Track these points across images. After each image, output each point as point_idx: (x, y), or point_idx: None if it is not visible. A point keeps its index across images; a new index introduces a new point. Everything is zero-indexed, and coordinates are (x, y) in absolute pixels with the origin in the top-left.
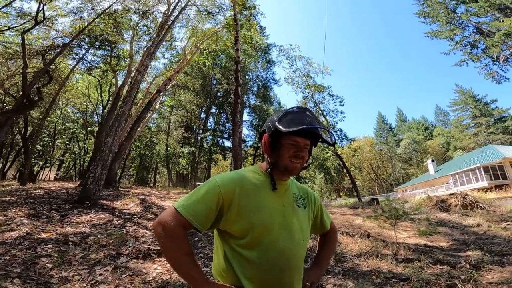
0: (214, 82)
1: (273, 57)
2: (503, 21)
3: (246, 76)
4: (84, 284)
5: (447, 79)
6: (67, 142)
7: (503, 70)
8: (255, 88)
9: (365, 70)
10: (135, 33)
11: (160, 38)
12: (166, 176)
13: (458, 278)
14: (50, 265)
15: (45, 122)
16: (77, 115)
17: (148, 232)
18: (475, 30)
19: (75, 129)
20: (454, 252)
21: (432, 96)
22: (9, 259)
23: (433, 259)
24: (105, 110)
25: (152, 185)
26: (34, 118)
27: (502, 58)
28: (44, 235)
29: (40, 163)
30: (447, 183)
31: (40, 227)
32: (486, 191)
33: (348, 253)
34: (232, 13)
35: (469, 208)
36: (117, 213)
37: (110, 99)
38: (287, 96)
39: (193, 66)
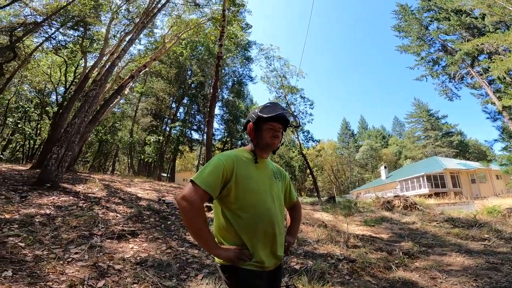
0: (189, 73)
1: (252, 54)
2: (467, 41)
3: (223, 71)
4: (61, 262)
5: (409, 92)
6: (18, 121)
7: (456, 88)
8: (230, 83)
9: (337, 76)
10: (115, 17)
11: (143, 25)
12: (126, 164)
13: (393, 262)
14: (22, 244)
15: None
16: (33, 94)
17: (118, 215)
18: (440, 47)
19: (28, 108)
20: (392, 242)
21: (394, 107)
22: None
23: (375, 247)
24: (68, 91)
25: (110, 172)
26: None
27: (458, 76)
28: (7, 216)
29: None
30: (395, 188)
31: (1, 208)
32: (427, 197)
33: (308, 239)
34: (220, 7)
35: (408, 209)
36: (81, 197)
37: (76, 80)
38: (261, 94)
39: (169, 55)
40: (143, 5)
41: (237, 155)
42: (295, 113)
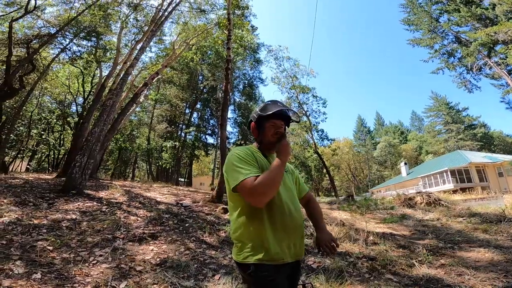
0: (201, 78)
1: (261, 56)
2: (479, 30)
3: (233, 74)
4: (86, 264)
5: (425, 86)
6: (42, 132)
7: (475, 79)
8: (241, 86)
9: (348, 73)
10: (124, 26)
11: (153, 33)
12: (145, 170)
13: (416, 259)
14: (50, 248)
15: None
16: (54, 105)
17: (139, 218)
18: (454, 39)
19: (51, 119)
20: (415, 240)
21: (410, 102)
22: (6, 243)
23: (397, 244)
24: (87, 101)
25: (130, 179)
26: (8, 106)
27: (475, 67)
28: (35, 221)
29: (13, 153)
30: (417, 185)
31: (30, 214)
32: (451, 193)
33: None
34: (225, 12)
35: (432, 205)
36: (104, 202)
37: (93, 90)
38: (272, 95)
39: (180, 61)
40: (151, 13)
41: (250, 148)
42: (308, 112)
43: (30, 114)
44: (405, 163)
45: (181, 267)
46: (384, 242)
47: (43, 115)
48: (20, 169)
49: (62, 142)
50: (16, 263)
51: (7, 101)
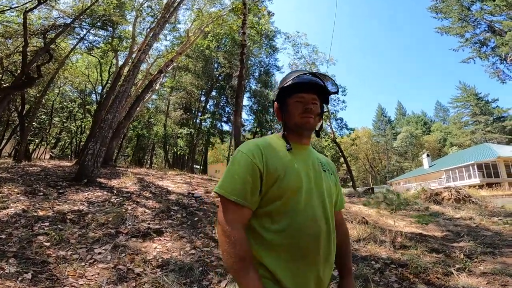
0: (216, 65)
1: (278, 43)
2: None
3: (249, 61)
4: (83, 264)
5: (450, 76)
6: (64, 120)
7: (509, 70)
8: (257, 74)
9: (368, 61)
10: (139, 14)
11: (165, 19)
12: (163, 157)
13: (453, 266)
14: (47, 244)
15: (43, 100)
16: (75, 94)
17: (147, 210)
18: (487, 28)
19: (72, 108)
20: (448, 242)
21: (434, 92)
22: (5, 238)
23: (429, 247)
24: (105, 90)
25: (148, 166)
26: (31, 96)
27: (510, 57)
28: (41, 213)
29: (36, 141)
30: (440, 178)
31: (37, 205)
32: (477, 188)
33: None
34: None
35: (461, 202)
36: (115, 191)
37: (110, 79)
38: None
39: (195, 49)
40: (164, 1)
41: (266, 141)
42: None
43: (52, 103)
44: (428, 155)
45: (184, 270)
46: (415, 244)
47: (65, 103)
48: (44, 156)
49: (83, 129)
50: (9, 261)
51: (30, 91)
